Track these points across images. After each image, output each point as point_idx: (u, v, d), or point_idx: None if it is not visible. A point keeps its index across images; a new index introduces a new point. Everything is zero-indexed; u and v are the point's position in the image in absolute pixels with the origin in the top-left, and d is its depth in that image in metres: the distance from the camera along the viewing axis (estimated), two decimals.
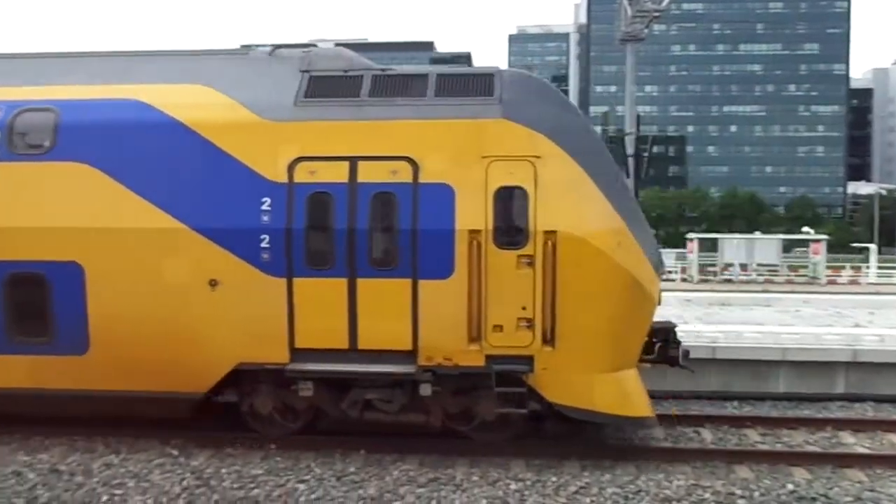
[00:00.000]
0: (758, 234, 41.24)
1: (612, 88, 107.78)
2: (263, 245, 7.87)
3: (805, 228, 47.94)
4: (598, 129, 38.26)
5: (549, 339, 7.81)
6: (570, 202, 7.83)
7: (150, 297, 8.04)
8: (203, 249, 7.94)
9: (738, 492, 7.29)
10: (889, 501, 7.26)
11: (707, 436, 9.44)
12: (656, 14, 25.14)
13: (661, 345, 8.90)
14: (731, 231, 58.15)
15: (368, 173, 7.93)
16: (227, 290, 7.94)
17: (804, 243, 37.19)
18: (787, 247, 35.48)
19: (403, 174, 7.87)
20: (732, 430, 9.63)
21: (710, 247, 35.33)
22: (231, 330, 8.00)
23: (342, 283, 7.88)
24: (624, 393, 8.12)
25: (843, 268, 35.65)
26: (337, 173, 7.94)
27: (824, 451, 8.87)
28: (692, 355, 11.22)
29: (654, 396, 10.95)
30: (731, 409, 10.80)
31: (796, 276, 33.47)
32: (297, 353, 8.02)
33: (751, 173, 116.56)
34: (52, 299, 8.16)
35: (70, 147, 8.22)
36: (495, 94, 8.16)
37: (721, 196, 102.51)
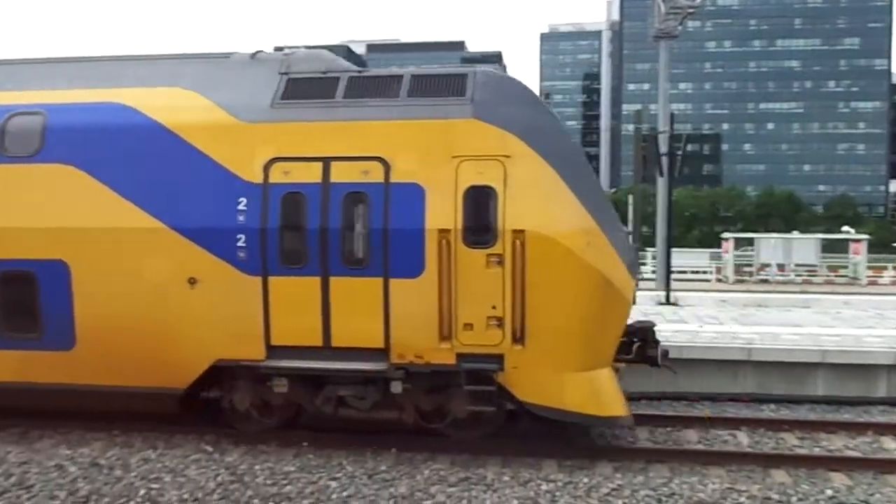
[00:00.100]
0: (796, 234, 40.38)
1: (645, 86, 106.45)
2: (240, 244, 8.04)
3: (845, 228, 46.84)
4: (631, 127, 37.89)
5: (518, 337, 7.83)
6: (539, 202, 7.84)
7: (131, 295, 8.28)
8: (182, 249, 8.14)
9: (776, 496, 7.14)
10: None
11: (743, 439, 9.29)
12: (690, 10, 24.71)
13: (640, 345, 8.87)
14: (767, 231, 57.06)
15: (341, 173, 8.04)
16: (206, 289, 8.13)
17: (844, 243, 36.30)
18: (827, 247, 34.60)
19: (375, 174, 7.97)
20: (769, 433, 9.46)
21: (746, 247, 34.69)
22: (209, 327, 8.20)
23: (315, 281, 8.01)
24: (596, 392, 8.10)
25: (885, 268, 34.73)
26: (310, 173, 8.07)
27: (865, 455, 8.66)
28: (727, 357, 11.16)
29: (687, 399, 10.95)
30: (767, 411, 10.60)
31: (836, 276, 32.69)
32: (273, 350, 8.17)
33: (788, 171, 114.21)
34: (40, 297, 8.46)
35: (57, 149, 8.52)
36: (467, 95, 8.21)
37: (757, 195, 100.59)
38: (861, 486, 7.55)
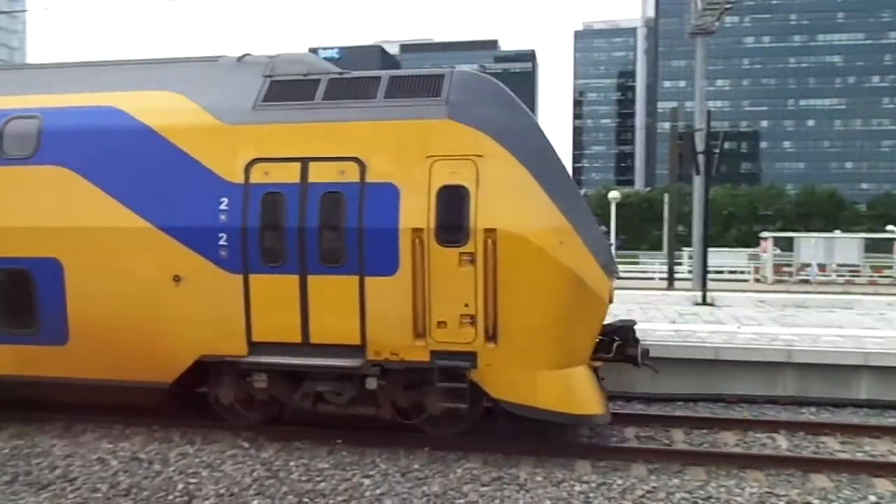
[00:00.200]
0: (837, 233, 39.39)
1: (682, 83, 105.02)
2: (221, 243, 8.23)
3: (889, 227, 45.54)
4: (667, 125, 37.36)
5: (491, 335, 7.86)
6: (511, 201, 7.85)
7: (120, 292, 8.53)
8: (167, 247, 8.36)
9: (816, 501, 6.97)
10: None
11: (782, 442, 9.10)
12: (728, 6, 24.27)
13: (620, 343, 8.85)
14: (808, 230, 55.71)
15: (318, 174, 8.17)
16: (190, 286, 8.34)
17: (888, 242, 35.27)
18: (870, 246, 33.64)
19: (351, 174, 8.08)
20: (809, 437, 9.25)
21: (785, 246, 33.95)
22: (194, 324, 8.40)
23: (294, 279, 8.16)
24: (569, 390, 8.08)
25: None
26: (289, 174, 8.22)
27: None
28: (766, 358, 10.93)
29: (724, 401, 10.75)
30: (807, 414, 10.37)
31: (880, 277, 31.79)
32: (254, 347, 8.35)
33: (830, 169, 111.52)
34: (36, 293, 8.77)
35: (51, 152, 8.81)
36: (442, 95, 8.27)
37: (797, 193, 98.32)
38: None
